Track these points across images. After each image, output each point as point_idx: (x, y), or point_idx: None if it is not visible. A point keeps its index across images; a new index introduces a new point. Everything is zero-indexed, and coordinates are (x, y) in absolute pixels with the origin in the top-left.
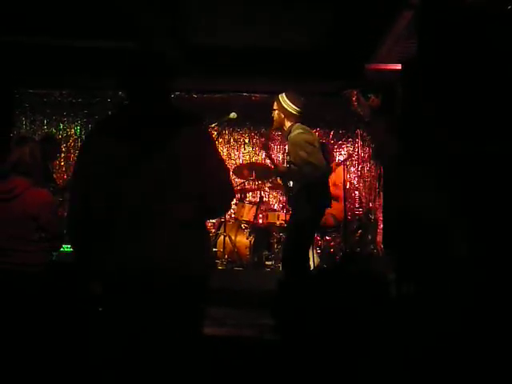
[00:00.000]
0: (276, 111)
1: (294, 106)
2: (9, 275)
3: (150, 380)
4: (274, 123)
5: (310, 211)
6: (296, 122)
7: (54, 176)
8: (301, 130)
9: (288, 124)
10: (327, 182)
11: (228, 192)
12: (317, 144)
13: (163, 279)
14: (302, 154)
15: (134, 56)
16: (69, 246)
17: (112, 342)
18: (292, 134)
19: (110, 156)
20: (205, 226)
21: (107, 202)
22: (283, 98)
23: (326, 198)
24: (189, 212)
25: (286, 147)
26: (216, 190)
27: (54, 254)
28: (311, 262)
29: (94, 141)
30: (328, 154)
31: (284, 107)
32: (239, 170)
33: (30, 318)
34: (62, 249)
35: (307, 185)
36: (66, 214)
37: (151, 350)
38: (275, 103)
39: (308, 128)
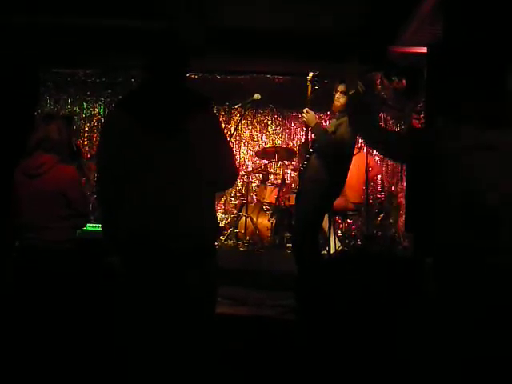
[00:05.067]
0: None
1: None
2: (36, 250)
3: (172, 348)
4: (341, 106)
5: (320, 195)
6: None
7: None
8: None
9: None
10: (346, 171)
11: (233, 172)
12: None
13: (181, 243)
14: (344, 131)
15: (161, 37)
16: (93, 224)
17: (135, 309)
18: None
19: (129, 133)
20: (213, 198)
21: (127, 176)
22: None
23: (339, 186)
24: (199, 186)
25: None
26: (223, 171)
27: (78, 231)
28: (332, 246)
29: (115, 116)
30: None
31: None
32: (262, 153)
33: (57, 293)
34: (86, 227)
35: (327, 166)
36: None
37: (174, 315)
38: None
39: None
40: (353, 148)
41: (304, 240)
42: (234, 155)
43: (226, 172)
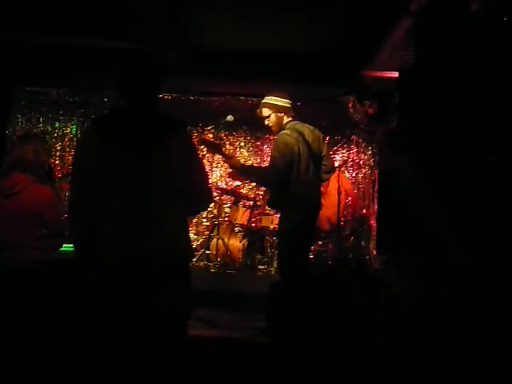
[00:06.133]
0: (272, 115)
1: (286, 100)
2: (11, 271)
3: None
4: (274, 127)
5: (296, 215)
6: (292, 119)
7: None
8: (287, 132)
9: (286, 120)
10: (318, 186)
11: (207, 195)
12: (297, 148)
13: (155, 265)
14: (274, 153)
15: (134, 59)
16: (69, 244)
17: (108, 328)
18: (279, 133)
19: (103, 154)
20: (186, 222)
21: (101, 197)
22: (273, 99)
23: (314, 201)
24: (173, 209)
25: None
26: (197, 194)
27: (53, 252)
28: None
29: (89, 136)
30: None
31: (279, 105)
32: (234, 174)
33: (32, 314)
34: (62, 247)
35: (290, 190)
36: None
37: (143, 336)
38: (265, 109)
39: (302, 127)
40: (286, 168)
41: (287, 261)
42: (208, 178)
43: (200, 194)
